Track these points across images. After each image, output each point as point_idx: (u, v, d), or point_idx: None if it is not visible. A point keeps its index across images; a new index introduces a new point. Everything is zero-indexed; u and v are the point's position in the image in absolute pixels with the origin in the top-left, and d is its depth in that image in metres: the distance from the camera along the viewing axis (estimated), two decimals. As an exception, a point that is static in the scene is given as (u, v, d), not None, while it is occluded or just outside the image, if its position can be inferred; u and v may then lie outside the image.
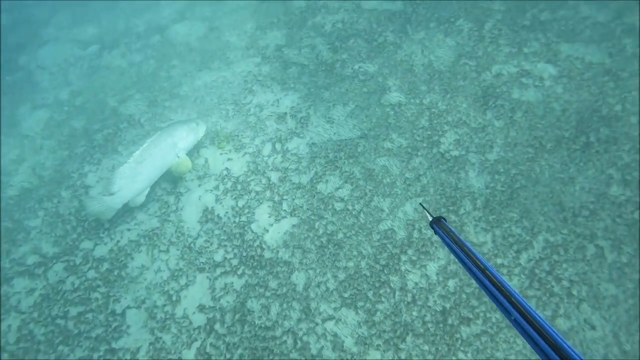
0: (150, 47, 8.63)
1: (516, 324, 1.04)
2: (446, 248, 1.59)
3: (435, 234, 1.54)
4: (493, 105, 6.05)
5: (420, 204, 2.54)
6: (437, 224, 1.52)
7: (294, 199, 5.76)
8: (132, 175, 5.57)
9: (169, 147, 5.85)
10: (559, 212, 5.16)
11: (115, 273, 5.49)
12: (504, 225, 5.15)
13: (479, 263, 1.23)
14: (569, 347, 0.93)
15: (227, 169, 6.22)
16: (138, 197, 5.77)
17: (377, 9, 7.71)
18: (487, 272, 1.17)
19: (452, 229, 1.44)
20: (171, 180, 6.21)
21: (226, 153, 6.45)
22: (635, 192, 5.10)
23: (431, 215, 1.62)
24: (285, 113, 6.68)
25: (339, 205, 5.59)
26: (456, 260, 1.49)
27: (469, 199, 5.38)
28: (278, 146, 6.33)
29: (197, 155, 6.39)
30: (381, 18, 7.53)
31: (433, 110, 6.18)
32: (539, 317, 1.02)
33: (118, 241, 5.75)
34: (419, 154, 5.84)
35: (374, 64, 6.89)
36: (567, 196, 5.24)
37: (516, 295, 1.09)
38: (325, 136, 6.31)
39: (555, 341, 0.95)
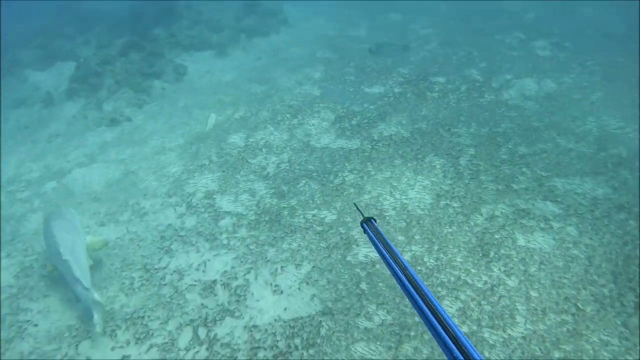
0: (40, 196, 7.21)
1: (427, 321, 1.15)
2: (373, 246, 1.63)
3: (365, 232, 1.68)
4: (496, 256, 4.95)
5: (354, 203, 2.57)
6: (367, 224, 1.67)
7: None
8: (79, 271, 5.01)
9: (77, 232, 5.49)
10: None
11: None
12: None
13: (400, 262, 1.38)
14: (473, 348, 1.02)
15: (118, 372, 4.28)
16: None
17: (329, 147, 7.17)
18: (406, 271, 1.32)
19: (380, 230, 1.60)
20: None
21: (121, 347, 4.56)
22: None
23: (362, 215, 1.76)
24: (215, 281, 5.16)
25: None
26: (380, 258, 1.57)
27: (502, 411, 3.68)
28: (202, 332, 4.66)
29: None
30: (336, 156, 6.91)
31: (419, 267, 4.93)
32: (449, 318, 1.12)
33: None
34: (412, 334, 4.28)
35: (333, 211, 5.86)
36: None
37: (429, 295, 1.20)
38: (271, 314, 4.73)
39: (461, 342, 1.04)
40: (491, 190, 5.92)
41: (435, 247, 5.16)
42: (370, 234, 1.61)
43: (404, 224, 5.54)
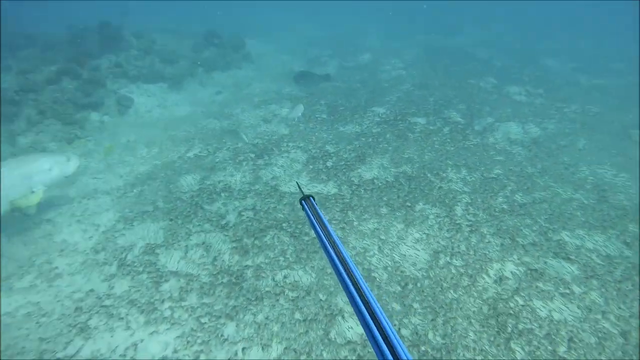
0: None
1: (350, 296, 1.17)
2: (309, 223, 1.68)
3: (302, 209, 1.74)
4: (516, 331, 4.04)
5: (296, 182, 3.07)
6: (306, 201, 1.76)
7: None
8: None
9: (20, 178, 5.43)
10: None
11: None
12: None
13: (331, 238, 1.43)
14: (397, 340, 1.00)
15: None
16: None
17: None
18: (336, 246, 1.38)
19: (317, 208, 1.66)
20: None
21: None
22: None
23: (302, 193, 1.85)
24: (149, 373, 3.81)
25: None
26: (314, 234, 1.74)
27: None
28: None
29: None
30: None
31: (423, 348, 3.89)
32: (369, 293, 1.16)
33: None
34: None
35: (309, 271, 4.77)
36: None
37: (355, 272, 1.24)
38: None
39: (382, 326, 1.05)
40: (495, 245, 5.13)
41: (441, 320, 4.18)
42: (308, 211, 1.68)
43: (399, 287, 4.55)
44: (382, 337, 1.01)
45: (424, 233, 5.35)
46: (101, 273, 4.96)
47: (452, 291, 4.50)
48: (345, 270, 1.24)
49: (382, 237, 5.27)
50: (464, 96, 9.74)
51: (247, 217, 5.72)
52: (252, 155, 7.24)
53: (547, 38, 18.10)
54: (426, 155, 7.12)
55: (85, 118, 8.24)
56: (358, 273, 1.23)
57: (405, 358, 0.95)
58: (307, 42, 17.01)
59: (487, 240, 5.20)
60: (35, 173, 5.54)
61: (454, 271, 4.75)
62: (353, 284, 1.18)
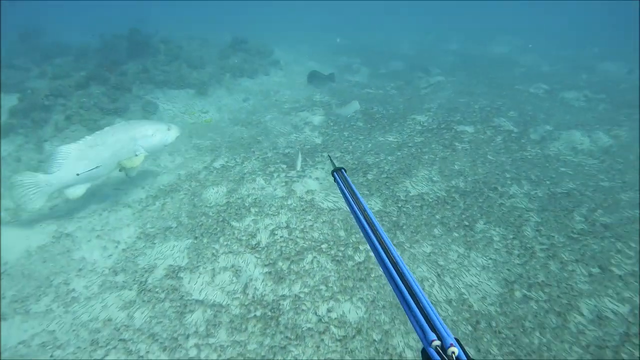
0: None
1: (381, 262, 1.16)
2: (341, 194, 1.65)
3: (335, 181, 1.79)
4: (631, 390, 3.16)
5: (328, 155, 2.98)
6: (338, 173, 1.79)
7: None
8: (77, 158, 5.35)
9: (128, 140, 5.72)
10: None
11: None
12: None
13: (363, 208, 1.44)
14: (431, 308, 0.96)
15: None
16: (77, 188, 5.48)
17: (341, 208, 5.45)
18: (366, 214, 1.39)
19: (348, 179, 1.69)
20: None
21: None
22: None
23: (334, 165, 1.92)
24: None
25: None
26: (346, 204, 1.75)
27: None
28: None
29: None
30: (351, 221, 5.18)
31: (512, 410, 3.06)
32: (399, 258, 1.14)
33: None
34: None
35: (358, 304, 4.01)
36: None
37: (384, 237, 1.24)
38: None
39: (409, 283, 1.03)
40: (582, 274, 4.25)
41: (529, 370, 3.34)
42: (340, 182, 1.69)
43: (470, 327, 3.74)
44: (419, 309, 0.95)
45: (490, 258, 4.51)
46: (120, 299, 4.33)
47: (538, 333, 3.65)
48: (377, 240, 1.23)
49: (441, 263, 4.47)
50: (513, 103, 8.87)
51: (281, 236, 5.01)
52: (284, 167, 6.57)
53: (600, 41, 17.05)
54: (480, 168, 6.29)
55: (110, 124, 7.81)
56: (393, 248, 1.19)
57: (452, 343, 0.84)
58: (332, 47, 16.48)
59: (570, 269, 4.33)
60: (140, 137, 5.80)
61: (535, 307, 3.91)
62: (385, 252, 1.17)
